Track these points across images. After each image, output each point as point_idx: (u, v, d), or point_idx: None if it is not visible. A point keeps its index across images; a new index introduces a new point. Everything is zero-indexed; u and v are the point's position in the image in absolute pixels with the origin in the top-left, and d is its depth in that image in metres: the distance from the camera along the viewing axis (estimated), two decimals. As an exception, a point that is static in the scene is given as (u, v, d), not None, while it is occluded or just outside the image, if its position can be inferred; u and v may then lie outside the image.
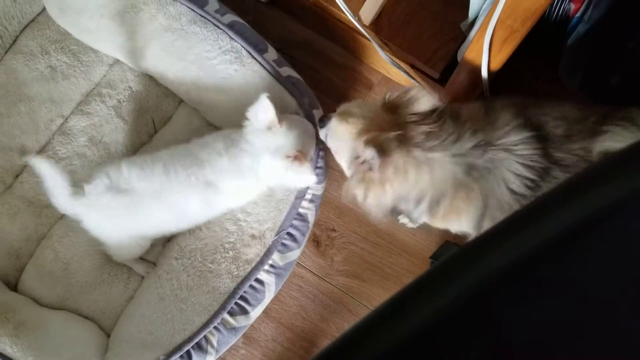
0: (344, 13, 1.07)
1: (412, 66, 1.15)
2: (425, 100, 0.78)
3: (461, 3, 1.06)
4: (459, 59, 1.04)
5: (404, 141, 0.75)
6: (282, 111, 0.98)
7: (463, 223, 0.81)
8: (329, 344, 0.29)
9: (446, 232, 1.13)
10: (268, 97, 0.85)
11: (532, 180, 0.74)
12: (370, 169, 0.75)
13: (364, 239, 1.16)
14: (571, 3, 0.98)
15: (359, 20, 1.09)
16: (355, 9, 1.09)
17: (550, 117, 0.77)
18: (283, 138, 0.88)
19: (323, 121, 0.90)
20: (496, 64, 0.93)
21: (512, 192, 0.75)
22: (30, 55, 1.08)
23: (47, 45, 1.09)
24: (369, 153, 0.73)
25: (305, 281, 1.15)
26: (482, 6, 0.94)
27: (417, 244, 1.16)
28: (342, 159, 0.85)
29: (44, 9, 1.11)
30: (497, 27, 0.83)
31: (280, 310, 1.13)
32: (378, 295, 1.14)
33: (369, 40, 1.11)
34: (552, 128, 0.76)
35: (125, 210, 0.88)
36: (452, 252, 0.31)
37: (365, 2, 1.08)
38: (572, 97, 1.04)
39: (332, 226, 1.17)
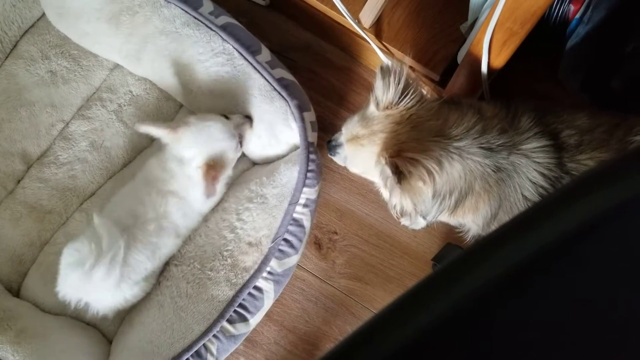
0: (343, 16, 1.07)
1: (412, 68, 1.15)
2: (401, 76, 0.75)
3: (461, 5, 1.06)
4: (459, 61, 1.04)
5: (423, 134, 0.73)
6: (270, 116, 0.98)
7: (477, 220, 0.81)
8: (331, 348, 0.29)
9: (448, 234, 1.14)
10: (140, 124, 0.91)
11: (545, 189, 0.73)
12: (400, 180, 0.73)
13: (366, 241, 1.16)
14: (571, 4, 0.98)
15: (359, 23, 1.09)
16: (354, 11, 1.09)
17: (565, 125, 0.76)
18: (185, 148, 0.90)
19: (332, 149, 0.89)
20: (496, 66, 0.93)
21: (525, 198, 0.75)
22: (30, 60, 1.08)
23: (47, 50, 1.09)
24: (391, 169, 0.72)
25: (308, 284, 1.15)
26: (481, 8, 0.95)
27: (419, 246, 1.16)
28: (374, 178, 0.84)
29: (43, 14, 1.11)
30: (497, 29, 0.83)
31: (283, 313, 1.13)
32: (380, 298, 1.14)
33: (369, 43, 1.11)
34: (566, 137, 0.75)
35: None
36: (454, 256, 0.31)
37: (365, 5, 1.08)
38: (580, 103, 1.04)
39: (334, 229, 1.17)
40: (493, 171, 0.74)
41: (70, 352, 0.91)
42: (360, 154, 0.81)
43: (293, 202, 0.92)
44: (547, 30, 1.01)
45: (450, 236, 1.13)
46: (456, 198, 0.76)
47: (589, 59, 0.96)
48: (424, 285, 0.31)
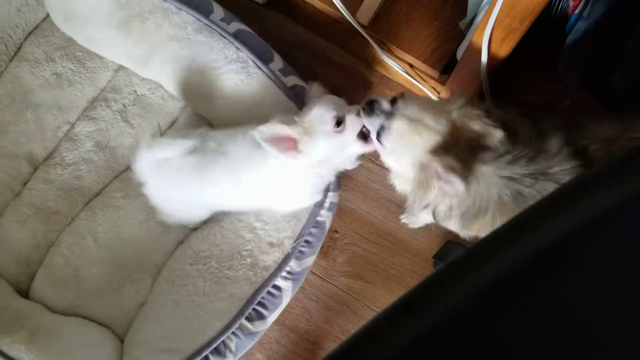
0: (341, 14, 1.07)
1: (411, 65, 1.15)
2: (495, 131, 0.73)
3: (459, 2, 1.06)
4: (458, 57, 1.04)
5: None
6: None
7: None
8: (334, 348, 0.30)
9: (448, 232, 1.13)
10: (278, 120, 0.82)
11: None
12: (444, 186, 0.72)
13: (367, 239, 1.16)
14: (570, 0, 0.97)
15: (357, 20, 1.10)
16: (353, 9, 1.09)
17: (590, 140, 0.74)
18: (316, 122, 0.83)
19: (373, 110, 0.79)
20: (495, 63, 0.92)
21: None
22: (35, 62, 1.09)
23: (51, 52, 1.10)
24: (454, 180, 0.69)
25: (309, 283, 1.15)
26: (480, 5, 0.94)
27: (420, 244, 1.16)
28: (400, 160, 0.80)
29: (47, 15, 1.11)
30: (496, 26, 0.83)
31: (284, 312, 1.13)
32: (381, 296, 1.14)
33: (368, 41, 1.11)
34: (593, 152, 0.73)
35: (193, 173, 0.91)
36: (456, 255, 0.32)
37: (363, 3, 1.08)
38: (582, 99, 1.03)
39: (334, 227, 1.17)
40: (510, 198, 0.72)
41: (83, 351, 0.93)
42: (410, 139, 0.76)
43: (318, 205, 0.94)
44: (547, 26, 1.00)
45: (451, 234, 1.13)
46: (464, 215, 0.75)
47: (589, 55, 0.96)
48: (428, 284, 0.31)
